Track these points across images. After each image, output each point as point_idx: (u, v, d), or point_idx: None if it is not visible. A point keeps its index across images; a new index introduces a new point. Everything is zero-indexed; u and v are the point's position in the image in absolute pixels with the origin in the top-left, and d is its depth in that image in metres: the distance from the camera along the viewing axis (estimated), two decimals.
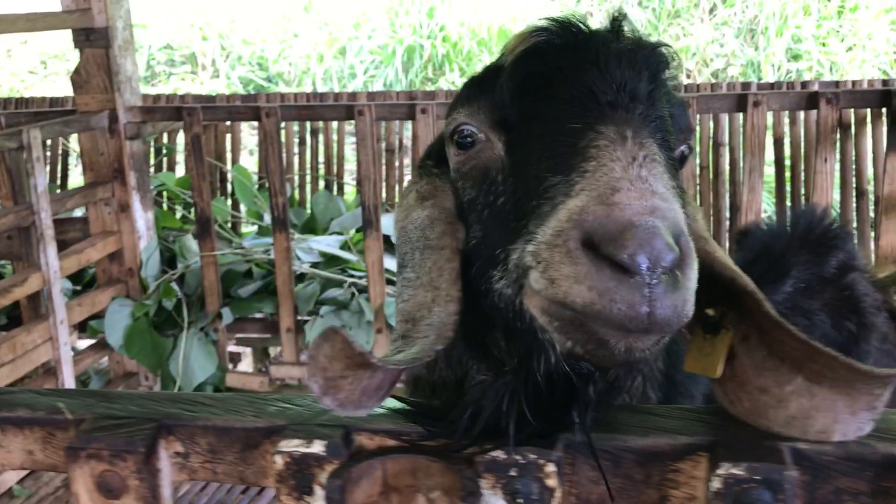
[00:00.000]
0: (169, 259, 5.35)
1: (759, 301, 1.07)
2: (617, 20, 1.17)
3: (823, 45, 11.01)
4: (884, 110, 4.91)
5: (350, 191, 6.88)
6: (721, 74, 10.99)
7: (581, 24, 1.17)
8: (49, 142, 6.56)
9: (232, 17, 12.49)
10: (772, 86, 6.13)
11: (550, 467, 0.94)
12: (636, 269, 0.88)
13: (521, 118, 1.15)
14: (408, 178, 6.45)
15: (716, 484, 0.87)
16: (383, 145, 6.25)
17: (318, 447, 0.97)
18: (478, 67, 11.57)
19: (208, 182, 4.93)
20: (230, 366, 6.01)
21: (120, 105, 4.85)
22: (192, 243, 5.23)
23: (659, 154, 1.02)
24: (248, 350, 6.29)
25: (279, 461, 0.97)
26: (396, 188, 6.33)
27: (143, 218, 5.15)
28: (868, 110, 5.42)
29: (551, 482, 0.93)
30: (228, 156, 6.44)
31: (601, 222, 0.90)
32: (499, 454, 0.96)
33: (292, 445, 0.97)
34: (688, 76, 11.39)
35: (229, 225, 6.00)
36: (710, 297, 1.16)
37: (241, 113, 4.96)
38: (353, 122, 4.65)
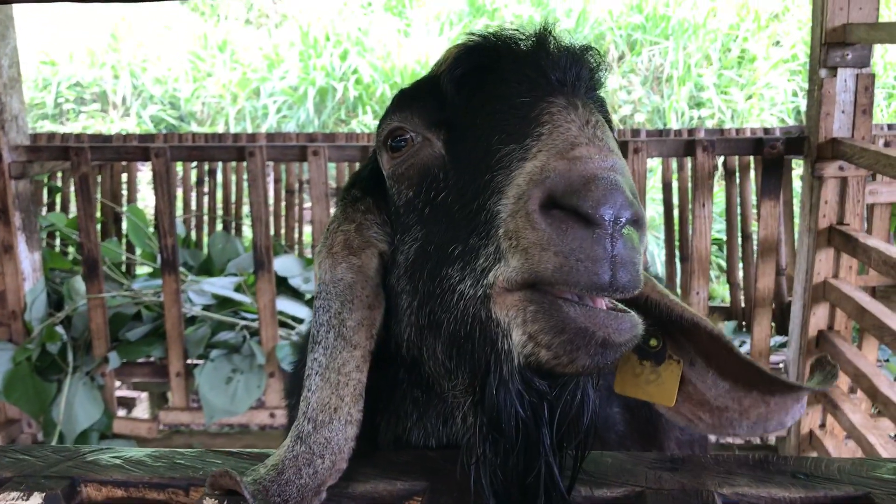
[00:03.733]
0: (57, 301, 5.20)
1: (727, 346, 1.24)
2: (546, 28, 1.18)
3: (724, 93, 11.46)
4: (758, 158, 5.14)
5: (248, 232, 6.82)
6: (629, 120, 11.32)
7: (513, 31, 1.18)
8: None
9: (144, 55, 12.36)
10: (660, 133, 6.35)
11: None
12: (599, 220, 0.86)
13: (465, 109, 1.14)
14: (307, 215, 6.44)
15: None
16: (283, 186, 6.24)
17: (36, 500, 0.95)
18: None
19: (96, 223, 4.83)
20: (123, 411, 5.86)
21: (4, 144, 4.73)
22: (80, 285, 5.10)
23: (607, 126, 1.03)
24: (144, 395, 6.13)
25: None
26: (296, 229, 6.31)
27: (28, 259, 5.01)
28: (752, 158, 5.67)
29: None
30: (125, 195, 6.33)
31: (563, 176, 0.89)
32: None
33: (10, 499, 0.95)
34: None
35: (123, 266, 5.88)
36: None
37: (130, 153, 4.88)
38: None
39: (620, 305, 0.99)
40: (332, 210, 5.69)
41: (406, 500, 0.97)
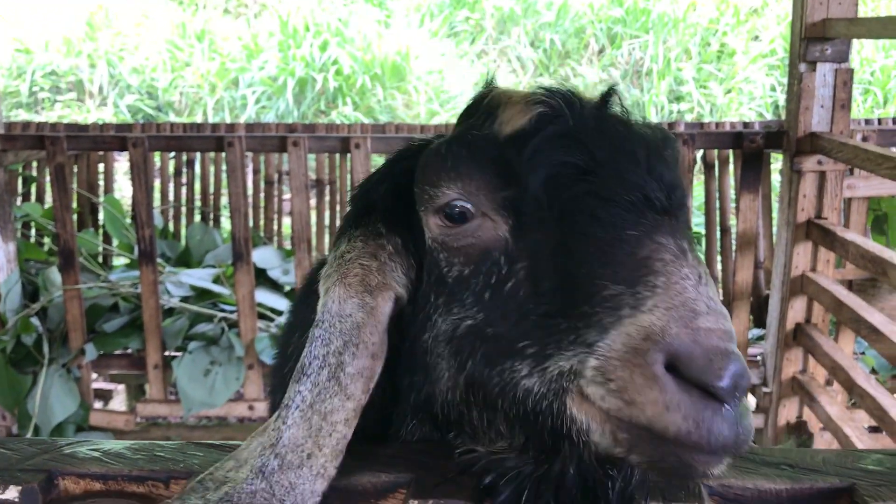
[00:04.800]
0: (32, 293, 5.14)
1: None
2: (610, 93, 1.13)
3: (704, 87, 11.53)
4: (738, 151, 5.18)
5: (227, 223, 6.78)
6: None
7: (578, 97, 1.12)
8: None
9: (121, 44, 12.23)
10: None
11: None
12: (726, 396, 0.89)
13: (543, 203, 1.06)
14: (287, 207, 6.40)
15: None
16: (262, 177, 6.20)
17: (12, 493, 0.93)
18: (371, 102, 11.79)
19: (72, 213, 4.77)
20: (100, 403, 5.80)
21: None
22: (55, 276, 5.04)
23: None
24: (122, 387, 6.08)
25: None
26: (275, 220, 6.27)
27: (2, 250, 4.94)
28: (731, 151, 5.69)
29: None
30: (101, 185, 6.26)
31: (687, 346, 0.90)
32: None
33: None
34: None
35: (100, 258, 5.82)
36: None
37: (107, 142, 4.82)
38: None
39: None
40: (313, 202, 5.67)
41: (390, 492, 0.96)
